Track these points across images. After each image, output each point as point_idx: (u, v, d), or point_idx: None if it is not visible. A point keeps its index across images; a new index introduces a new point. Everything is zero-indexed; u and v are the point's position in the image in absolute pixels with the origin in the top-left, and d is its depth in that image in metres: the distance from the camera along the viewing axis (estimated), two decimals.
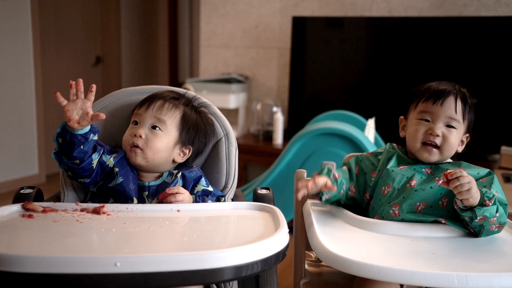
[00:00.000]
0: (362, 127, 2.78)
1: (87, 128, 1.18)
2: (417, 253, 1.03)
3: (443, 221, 1.16)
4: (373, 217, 1.27)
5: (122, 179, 1.25)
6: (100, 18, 4.78)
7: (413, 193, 1.22)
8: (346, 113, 3.02)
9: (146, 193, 1.28)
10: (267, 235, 0.94)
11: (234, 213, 1.17)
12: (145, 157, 1.27)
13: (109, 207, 1.14)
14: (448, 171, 1.11)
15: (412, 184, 1.24)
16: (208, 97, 2.56)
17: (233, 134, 1.43)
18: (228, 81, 3.74)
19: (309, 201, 1.35)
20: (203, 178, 1.32)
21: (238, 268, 0.85)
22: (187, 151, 1.34)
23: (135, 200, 1.25)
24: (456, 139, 1.25)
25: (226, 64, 4.05)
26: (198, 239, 0.97)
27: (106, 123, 1.39)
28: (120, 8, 4.89)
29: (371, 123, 2.73)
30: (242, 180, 3.47)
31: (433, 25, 3.23)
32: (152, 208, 1.17)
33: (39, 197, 1.30)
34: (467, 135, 1.30)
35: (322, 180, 1.21)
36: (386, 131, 2.97)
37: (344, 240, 1.10)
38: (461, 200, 1.10)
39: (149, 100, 1.31)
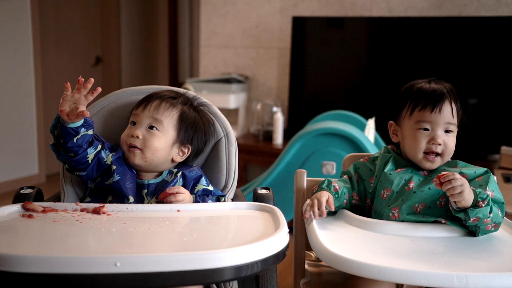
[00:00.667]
0: (362, 127, 2.78)
1: (79, 122, 1.20)
2: (417, 253, 1.03)
3: (443, 221, 1.16)
4: None
5: (119, 177, 1.26)
6: (100, 18, 4.79)
7: (412, 195, 1.22)
8: (346, 113, 3.03)
9: (145, 191, 1.28)
10: (267, 235, 0.94)
11: (234, 213, 1.16)
12: (144, 157, 1.27)
13: (109, 207, 1.14)
14: (442, 173, 1.11)
15: (411, 186, 1.24)
16: (208, 97, 2.56)
17: (233, 134, 1.43)
18: (228, 81, 3.74)
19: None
20: (203, 178, 1.32)
21: (238, 268, 0.85)
22: (186, 150, 1.34)
23: (131, 198, 1.25)
24: (454, 141, 1.26)
25: (226, 64, 4.05)
26: (198, 239, 0.97)
27: (106, 123, 1.39)
28: (120, 8, 4.89)
29: (371, 123, 2.73)
30: (242, 180, 3.47)
31: (433, 25, 3.23)
32: (152, 208, 1.17)
33: (39, 197, 1.30)
34: (457, 129, 1.30)
35: (324, 199, 1.23)
36: (386, 131, 2.96)
37: (344, 240, 1.10)
38: (454, 202, 1.11)
39: (146, 100, 1.32)
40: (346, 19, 3.49)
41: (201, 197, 1.28)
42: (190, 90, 1.71)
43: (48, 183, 4.06)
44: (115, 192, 1.26)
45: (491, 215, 1.10)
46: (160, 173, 1.32)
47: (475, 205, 1.10)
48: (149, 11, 5.29)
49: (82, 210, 1.13)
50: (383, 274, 0.93)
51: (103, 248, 0.92)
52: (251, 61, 3.95)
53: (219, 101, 3.53)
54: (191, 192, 1.28)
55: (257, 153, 3.46)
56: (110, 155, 1.28)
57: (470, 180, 1.18)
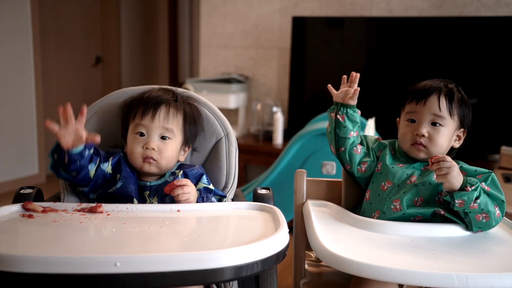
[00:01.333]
0: (362, 127, 2.78)
1: (82, 147, 1.18)
2: (417, 253, 1.03)
3: (442, 212, 1.19)
4: (370, 213, 1.28)
5: (121, 183, 1.26)
6: (100, 18, 4.78)
7: (413, 188, 1.24)
8: None
9: (148, 192, 1.28)
10: (267, 235, 0.94)
11: (234, 213, 1.17)
12: (159, 166, 1.28)
13: (108, 207, 1.14)
14: (435, 155, 1.16)
15: (413, 180, 1.26)
16: (208, 97, 2.56)
17: (233, 134, 1.43)
18: (228, 81, 3.73)
19: (309, 201, 1.35)
20: (204, 176, 1.32)
21: (238, 268, 0.85)
22: (187, 149, 1.36)
23: (135, 201, 1.25)
24: (444, 137, 1.27)
25: (226, 64, 4.05)
26: (198, 239, 0.97)
27: (106, 123, 1.39)
28: (120, 8, 4.89)
29: (371, 123, 2.73)
30: (242, 180, 3.47)
31: (433, 25, 3.23)
32: (152, 208, 1.17)
33: (39, 197, 1.30)
34: (462, 130, 1.31)
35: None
36: (386, 131, 2.96)
37: (344, 240, 1.10)
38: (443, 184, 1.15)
39: (152, 108, 1.28)
40: (346, 19, 3.49)
41: (204, 192, 1.28)
42: (190, 90, 1.71)
43: (48, 183, 4.06)
44: (118, 198, 1.26)
45: (478, 201, 1.12)
46: (163, 174, 1.32)
47: (462, 189, 1.13)
48: (149, 11, 5.29)
49: (82, 210, 1.13)
50: (383, 274, 0.93)
51: (103, 248, 0.92)
52: (251, 61, 3.95)
53: (219, 101, 3.53)
54: None
55: (257, 153, 3.46)
56: (110, 164, 1.28)
57: (469, 177, 1.19)
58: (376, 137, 1.42)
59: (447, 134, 1.27)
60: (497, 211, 1.15)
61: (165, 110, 1.29)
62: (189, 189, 1.20)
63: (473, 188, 1.12)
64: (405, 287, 1.18)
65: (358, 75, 1.31)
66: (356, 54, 3.48)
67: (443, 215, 1.19)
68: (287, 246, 0.95)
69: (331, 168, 2.61)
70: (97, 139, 1.17)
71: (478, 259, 1.02)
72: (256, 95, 3.94)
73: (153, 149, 1.26)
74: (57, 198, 1.34)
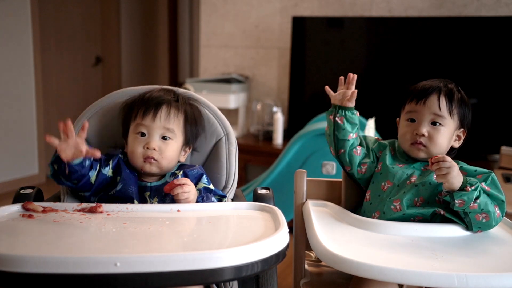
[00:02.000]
0: (362, 127, 2.78)
1: (82, 158, 1.17)
2: (417, 253, 1.03)
3: (442, 212, 1.19)
4: (371, 213, 1.28)
5: (121, 185, 1.26)
6: (100, 18, 4.78)
7: (413, 188, 1.24)
8: None
9: (148, 193, 1.28)
10: (267, 235, 0.94)
11: (234, 213, 1.17)
12: (160, 166, 1.28)
13: (109, 207, 1.14)
14: (435, 155, 1.16)
15: (413, 180, 1.26)
16: (208, 97, 2.56)
17: (233, 134, 1.43)
18: (228, 81, 3.73)
19: (309, 201, 1.35)
20: (204, 176, 1.32)
21: (238, 268, 0.85)
22: (187, 149, 1.36)
23: (135, 202, 1.25)
24: (444, 136, 1.27)
25: (226, 64, 4.05)
26: (198, 239, 0.97)
27: (106, 123, 1.39)
28: (120, 8, 4.89)
29: (371, 123, 2.73)
30: (242, 180, 3.47)
31: (433, 25, 3.23)
32: (152, 208, 1.17)
33: (39, 197, 1.30)
34: (462, 129, 1.31)
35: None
36: (386, 131, 2.96)
37: (344, 240, 1.10)
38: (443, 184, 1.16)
39: (153, 108, 1.29)
40: (346, 19, 3.49)
41: (204, 192, 1.28)
42: (190, 90, 1.71)
43: (48, 183, 4.06)
44: (118, 200, 1.25)
45: (478, 201, 1.12)
46: (164, 175, 1.32)
47: (462, 189, 1.13)
48: (149, 11, 5.29)
49: (82, 210, 1.13)
50: (383, 274, 0.93)
51: (103, 248, 0.92)
52: (251, 61, 3.95)
53: (219, 101, 3.52)
54: None
55: (257, 153, 3.46)
56: (110, 168, 1.28)
57: (469, 177, 1.19)
58: (376, 137, 1.42)
59: (447, 134, 1.27)
60: (497, 211, 1.15)
61: (166, 110, 1.29)
62: (188, 188, 1.20)
63: (473, 188, 1.12)
64: (405, 287, 1.18)
65: (356, 76, 1.31)
66: (356, 54, 3.48)
67: (443, 215, 1.19)
68: (287, 246, 0.95)
69: (331, 168, 2.61)
70: (97, 154, 1.16)
71: (478, 259, 1.02)
72: (256, 95, 3.94)
73: (154, 149, 1.26)
74: (57, 198, 1.34)
